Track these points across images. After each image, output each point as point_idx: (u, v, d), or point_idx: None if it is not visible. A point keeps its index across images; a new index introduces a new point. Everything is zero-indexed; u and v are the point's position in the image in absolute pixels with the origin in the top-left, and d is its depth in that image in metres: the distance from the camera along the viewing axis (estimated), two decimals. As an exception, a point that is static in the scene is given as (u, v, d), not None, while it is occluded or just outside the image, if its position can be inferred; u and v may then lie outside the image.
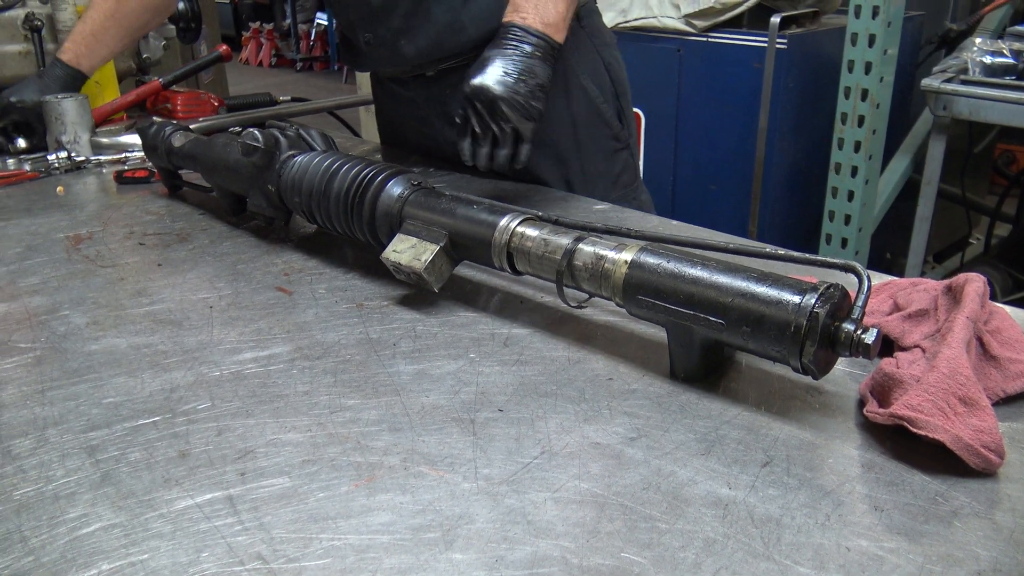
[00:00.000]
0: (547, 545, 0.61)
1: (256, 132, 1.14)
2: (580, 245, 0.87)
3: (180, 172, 1.44)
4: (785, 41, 2.76)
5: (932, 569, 0.58)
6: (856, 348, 0.71)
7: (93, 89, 1.88)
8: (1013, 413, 0.75)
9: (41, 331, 0.96)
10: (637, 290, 0.81)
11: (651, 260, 0.81)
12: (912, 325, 0.83)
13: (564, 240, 0.89)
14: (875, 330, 0.71)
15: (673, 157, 3.14)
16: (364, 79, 4.71)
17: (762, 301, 0.73)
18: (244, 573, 0.59)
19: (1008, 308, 0.88)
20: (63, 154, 1.64)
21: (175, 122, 1.45)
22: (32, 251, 1.21)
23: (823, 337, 0.71)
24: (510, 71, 1.17)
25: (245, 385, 0.83)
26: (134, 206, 1.42)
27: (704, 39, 2.94)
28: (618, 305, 0.86)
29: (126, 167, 1.63)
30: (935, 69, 2.70)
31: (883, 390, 0.74)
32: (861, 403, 0.77)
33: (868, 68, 2.64)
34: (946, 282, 0.85)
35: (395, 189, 1.03)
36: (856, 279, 0.73)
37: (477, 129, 1.21)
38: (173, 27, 2.13)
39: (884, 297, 0.90)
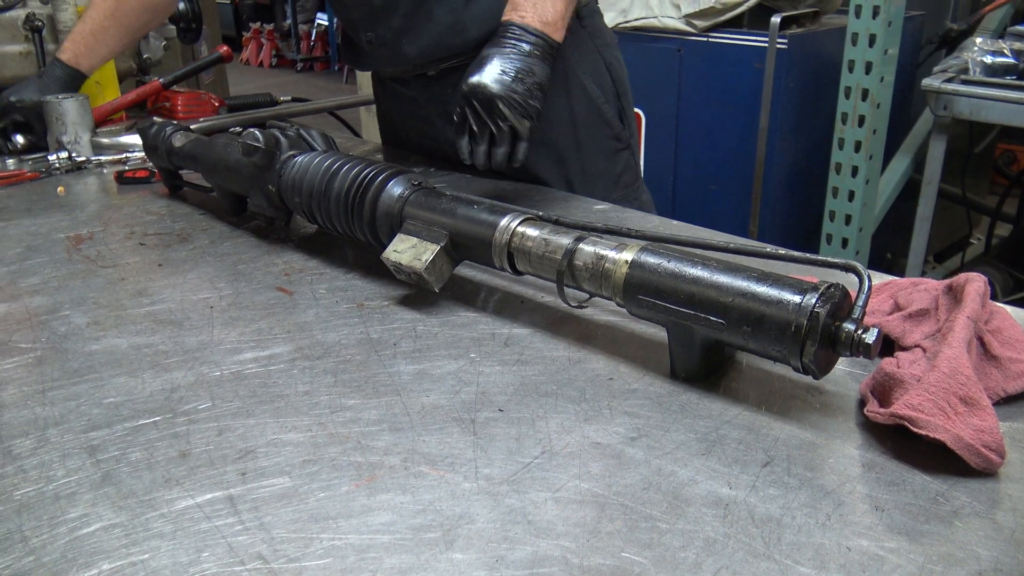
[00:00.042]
0: (548, 545, 0.61)
1: (257, 132, 1.14)
2: (581, 245, 0.87)
3: (181, 172, 1.44)
4: (785, 41, 2.76)
5: (933, 569, 0.57)
6: (857, 348, 0.71)
7: (93, 89, 1.88)
8: (1014, 413, 0.75)
9: (42, 331, 0.96)
10: (638, 290, 0.81)
11: (652, 260, 0.81)
12: (913, 325, 0.83)
13: (565, 240, 0.89)
14: (876, 330, 0.71)
15: (673, 157, 3.14)
16: (364, 79, 4.71)
17: (763, 301, 0.73)
18: (245, 573, 0.59)
19: (1009, 308, 0.88)
20: (64, 154, 1.64)
21: (176, 122, 1.46)
22: (33, 251, 1.21)
23: (824, 337, 0.71)
24: (508, 70, 1.18)
25: (246, 385, 0.83)
26: (135, 206, 1.42)
27: (704, 39, 2.94)
28: (619, 305, 0.86)
29: (127, 167, 1.63)
30: (936, 69, 2.70)
31: (884, 390, 0.74)
32: (862, 403, 0.77)
33: (868, 68, 2.64)
34: (947, 282, 0.85)
35: (395, 189, 1.03)
36: (856, 279, 0.73)
37: (474, 127, 1.21)
38: (174, 27, 2.13)
39: (885, 297, 0.90)
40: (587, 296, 0.91)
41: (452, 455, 0.71)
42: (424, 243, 0.98)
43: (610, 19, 3.06)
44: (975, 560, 0.58)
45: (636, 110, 1.67)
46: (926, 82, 2.58)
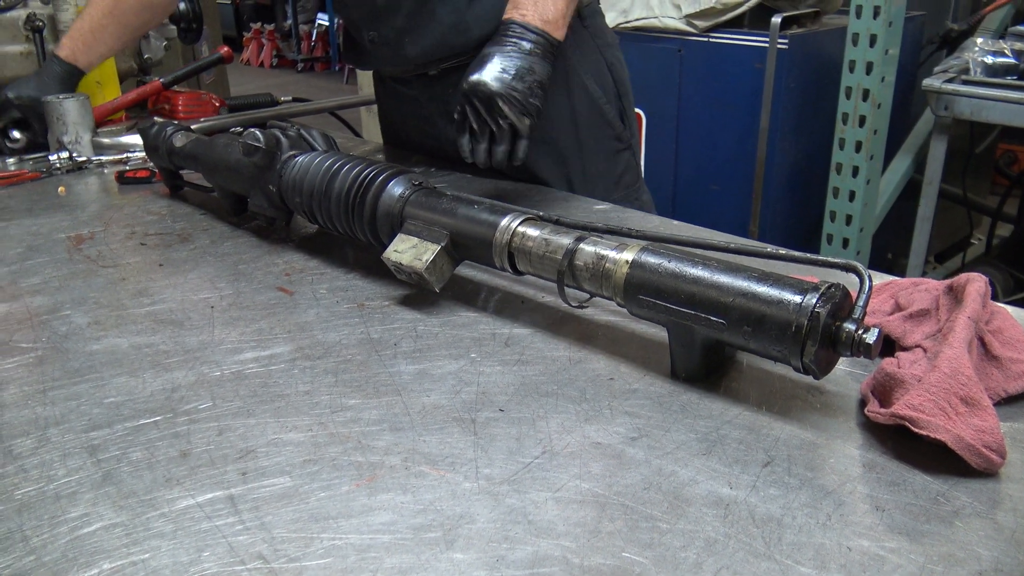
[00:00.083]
0: (548, 545, 0.61)
1: (257, 132, 1.14)
2: (581, 245, 0.87)
3: (181, 172, 1.44)
4: (786, 41, 2.76)
5: (933, 569, 0.57)
6: (857, 348, 0.71)
7: (94, 89, 1.88)
8: (1015, 413, 0.75)
9: (43, 331, 0.96)
10: (638, 290, 0.81)
11: (652, 260, 0.81)
12: (913, 325, 0.83)
13: (565, 240, 0.89)
14: (876, 330, 0.71)
15: (674, 157, 3.14)
16: (365, 80, 4.71)
17: (763, 301, 0.73)
18: (245, 573, 0.59)
19: (1010, 308, 0.88)
20: (65, 154, 1.64)
21: (176, 122, 1.46)
22: (34, 251, 1.21)
23: (824, 337, 0.71)
24: (508, 68, 1.18)
25: (246, 385, 0.83)
26: (135, 206, 1.42)
27: (705, 39, 2.94)
28: (619, 305, 0.86)
29: (127, 167, 1.63)
30: (936, 69, 2.70)
31: (884, 390, 0.74)
32: (862, 403, 0.77)
33: (869, 68, 2.64)
34: (947, 282, 0.85)
35: (396, 189, 1.03)
36: (857, 279, 0.73)
37: (474, 126, 1.21)
38: (174, 27, 2.13)
39: (885, 297, 0.90)
40: (588, 296, 0.91)
41: (453, 455, 0.71)
42: (425, 243, 0.98)
43: (611, 19, 3.06)
44: (976, 560, 0.58)
45: (637, 110, 1.67)
46: (927, 82, 2.58)
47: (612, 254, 0.84)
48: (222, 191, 1.30)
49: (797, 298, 0.71)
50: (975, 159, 3.19)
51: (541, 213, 0.96)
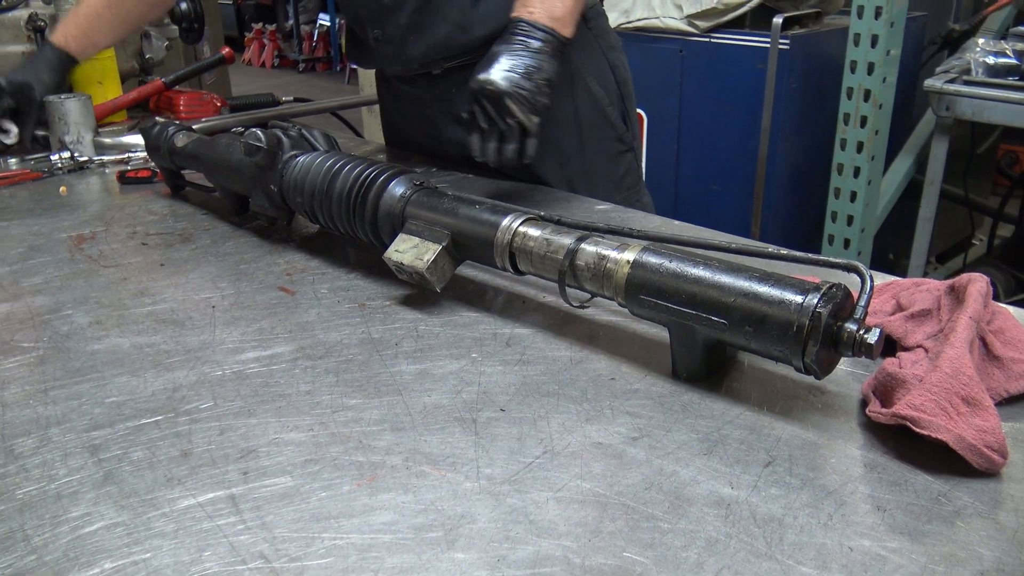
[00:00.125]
0: (549, 545, 0.61)
1: (259, 132, 1.14)
2: (582, 245, 0.87)
3: (183, 172, 1.44)
4: (788, 42, 2.76)
5: (935, 569, 0.57)
6: (859, 348, 0.71)
7: (95, 88, 1.88)
8: (1016, 413, 0.75)
9: (44, 331, 0.96)
10: (639, 290, 0.81)
11: (653, 260, 0.81)
12: (915, 325, 0.83)
13: (566, 240, 0.89)
14: (878, 330, 0.71)
15: (675, 157, 3.14)
16: (366, 80, 4.71)
17: (764, 301, 0.73)
18: (246, 572, 0.59)
19: (1011, 308, 0.88)
20: (66, 154, 1.64)
21: (178, 122, 1.46)
22: (35, 251, 1.21)
23: (826, 337, 0.71)
24: (516, 66, 1.18)
25: (247, 384, 0.83)
26: (137, 206, 1.42)
27: (706, 39, 2.94)
28: (620, 305, 0.86)
29: (129, 167, 1.63)
30: (938, 70, 2.70)
31: (886, 390, 0.74)
32: (864, 403, 0.76)
33: (871, 69, 2.64)
34: (949, 282, 0.85)
35: (397, 189, 1.03)
36: (859, 279, 0.73)
37: (484, 124, 1.21)
38: (176, 27, 2.13)
39: (887, 297, 0.90)
40: (589, 296, 0.91)
41: (454, 455, 0.71)
42: (426, 243, 0.98)
43: (612, 19, 3.05)
44: (977, 560, 0.58)
45: (638, 111, 1.67)
46: (928, 83, 2.58)
47: (613, 254, 0.84)
48: (223, 191, 1.30)
49: (798, 298, 0.71)
50: (976, 160, 3.19)
51: (542, 213, 0.96)
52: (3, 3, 1.93)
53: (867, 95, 2.67)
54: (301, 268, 1.13)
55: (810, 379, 0.79)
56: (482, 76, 1.18)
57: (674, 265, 0.79)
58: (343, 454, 0.72)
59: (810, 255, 0.77)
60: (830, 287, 0.72)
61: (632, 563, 0.59)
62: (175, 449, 0.73)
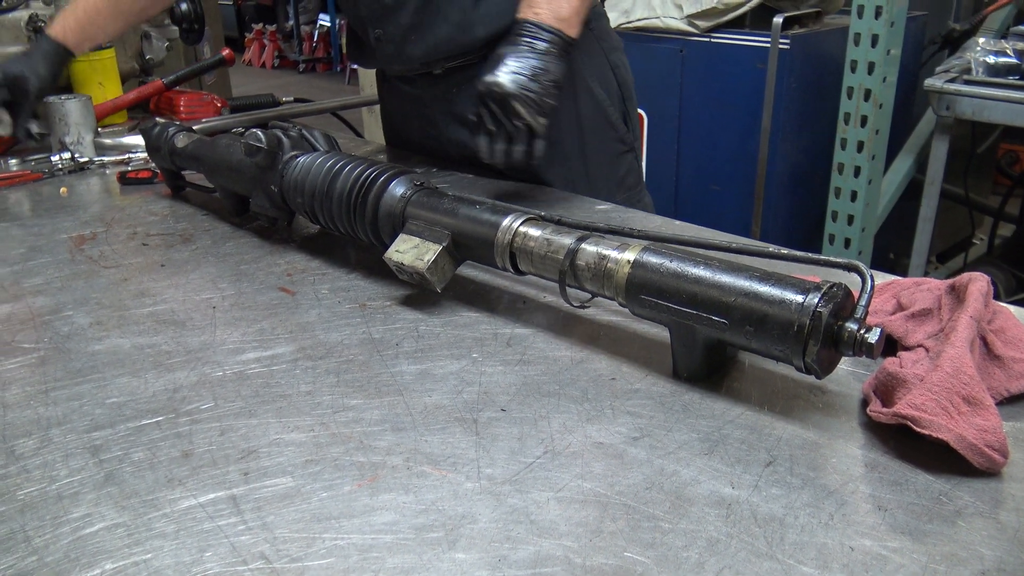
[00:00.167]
0: (550, 545, 0.61)
1: (259, 133, 1.14)
2: (583, 245, 0.87)
3: (183, 173, 1.44)
4: (788, 41, 2.75)
5: (936, 569, 0.57)
6: (859, 347, 0.71)
7: (96, 89, 1.88)
8: (1017, 412, 0.75)
9: (45, 331, 0.96)
10: (640, 290, 0.81)
11: (654, 260, 0.81)
12: (915, 324, 0.83)
13: (567, 240, 0.89)
14: (878, 329, 0.70)
15: (676, 157, 3.14)
16: (367, 81, 4.71)
17: (765, 300, 0.73)
18: (247, 573, 0.59)
19: (1012, 308, 0.88)
20: (67, 155, 1.64)
21: (178, 123, 1.46)
22: (36, 252, 1.21)
23: (826, 336, 0.71)
24: (522, 69, 1.18)
25: (248, 385, 0.83)
26: (137, 207, 1.42)
27: (707, 39, 2.94)
28: (621, 305, 0.85)
29: (129, 168, 1.63)
30: (938, 69, 2.70)
31: (887, 389, 0.74)
32: (864, 402, 0.76)
33: (871, 68, 2.64)
34: (949, 281, 0.85)
35: (397, 189, 1.03)
36: (859, 279, 0.73)
37: (491, 127, 1.21)
38: (176, 28, 2.13)
39: (887, 297, 0.90)
40: (589, 296, 0.91)
41: (454, 455, 0.71)
42: (426, 243, 0.98)
43: (612, 20, 3.05)
44: (978, 560, 0.58)
45: (639, 111, 1.67)
46: (929, 82, 2.57)
47: (614, 254, 0.84)
48: (224, 191, 1.30)
49: (799, 298, 0.71)
50: (977, 159, 3.19)
51: (543, 213, 0.96)
52: (3, 4, 1.93)
53: (867, 95, 2.67)
54: (302, 268, 1.13)
55: (811, 379, 0.79)
56: (489, 78, 1.18)
57: (675, 265, 0.79)
58: (344, 454, 0.72)
59: (810, 255, 0.77)
60: (831, 287, 0.72)
61: (633, 563, 0.59)
62: (176, 450, 0.73)
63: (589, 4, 1.28)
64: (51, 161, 1.64)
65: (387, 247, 1.01)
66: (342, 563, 0.59)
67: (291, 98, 2.13)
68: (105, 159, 1.67)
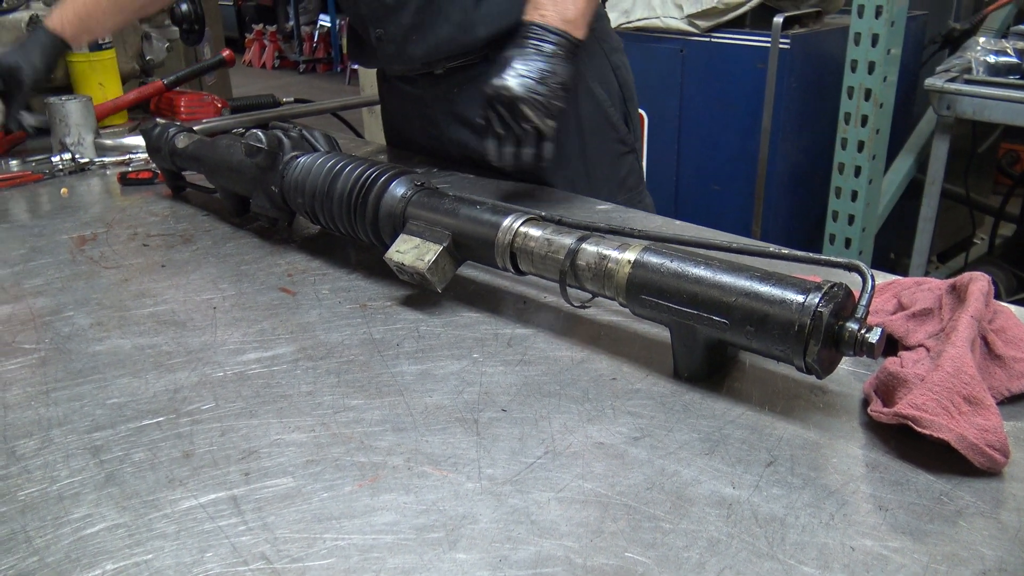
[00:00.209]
0: (551, 545, 0.61)
1: (260, 133, 1.14)
2: (583, 245, 0.87)
3: (184, 173, 1.44)
4: (788, 41, 2.75)
5: (937, 568, 0.57)
6: (860, 347, 0.71)
7: (96, 89, 1.88)
8: (1018, 412, 0.75)
9: (45, 332, 0.96)
10: (640, 290, 0.81)
11: (654, 260, 0.81)
12: (916, 324, 0.82)
13: (567, 240, 0.89)
14: (879, 329, 0.70)
15: (676, 157, 3.14)
16: (367, 81, 4.71)
17: (766, 300, 0.73)
18: (248, 573, 0.59)
19: (1013, 307, 0.88)
20: (67, 156, 1.64)
21: (179, 123, 1.46)
22: (36, 252, 1.21)
23: (827, 336, 0.71)
24: (530, 71, 1.18)
25: (249, 385, 0.83)
26: (138, 207, 1.42)
27: (707, 39, 2.94)
28: (621, 305, 0.85)
29: (130, 168, 1.63)
30: (939, 69, 2.70)
31: (887, 389, 0.74)
32: (865, 402, 0.76)
33: (871, 68, 2.64)
34: (950, 281, 0.85)
35: (398, 190, 1.03)
36: (860, 278, 0.73)
37: (499, 130, 1.21)
38: (176, 29, 2.14)
39: (888, 296, 0.90)
40: (590, 296, 0.91)
41: (455, 455, 0.71)
42: (427, 243, 0.98)
43: (612, 20, 3.05)
44: (979, 560, 0.58)
45: (639, 111, 1.67)
46: (929, 82, 2.57)
47: (614, 254, 0.84)
48: (224, 192, 1.30)
49: (800, 298, 0.71)
50: (977, 159, 3.19)
51: (543, 213, 0.96)
52: (4, 4, 1.93)
53: (868, 94, 2.67)
54: (302, 269, 1.13)
55: (811, 379, 0.79)
56: (497, 82, 1.18)
57: (675, 265, 0.79)
58: (345, 455, 0.72)
59: (811, 254, 0.77)
60: (831, 286, 0.72)
61: (634, 563, 0.59)
62: (177, 450, 0.73)
63: (594, 6, 1.28)
64: (52, 162, 1.64)
65: (387, 247, 1.01)
66: (343, 563, 0.60)
67: (291, 99, 2.13)
68: (106, 160, 1.67)
